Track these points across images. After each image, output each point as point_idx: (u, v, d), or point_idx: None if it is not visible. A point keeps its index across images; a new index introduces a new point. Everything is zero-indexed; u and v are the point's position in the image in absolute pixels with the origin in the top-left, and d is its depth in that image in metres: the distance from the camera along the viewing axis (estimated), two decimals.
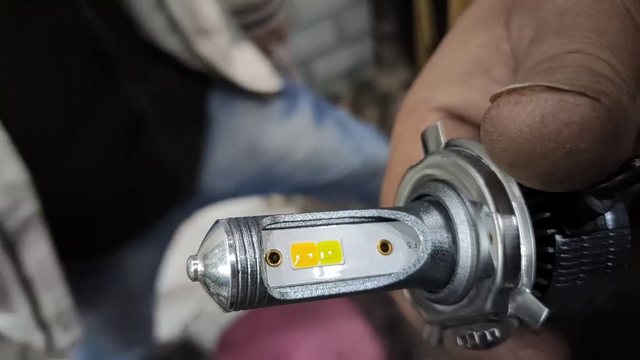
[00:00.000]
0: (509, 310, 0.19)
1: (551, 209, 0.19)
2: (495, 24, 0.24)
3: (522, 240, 0.18)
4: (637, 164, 0.17)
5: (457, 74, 0.25)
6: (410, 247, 0.21)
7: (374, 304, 1.38)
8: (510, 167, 0.17)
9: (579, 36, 0.17)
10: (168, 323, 1.35)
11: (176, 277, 1.47)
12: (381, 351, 1.18)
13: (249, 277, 0.18)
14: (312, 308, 1.24)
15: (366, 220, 0.21)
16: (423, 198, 0.22)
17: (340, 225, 0.20)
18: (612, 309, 0.24)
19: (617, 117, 0.16)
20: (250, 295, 0.18)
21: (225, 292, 0.18)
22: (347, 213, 0.20)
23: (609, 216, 0.20)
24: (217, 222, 0.19)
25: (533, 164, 0.16)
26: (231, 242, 0.18)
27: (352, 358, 1.18)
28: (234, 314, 1.28)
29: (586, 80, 0.16)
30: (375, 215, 0.21)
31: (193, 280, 0.18)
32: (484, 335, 0.20)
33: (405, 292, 0.24)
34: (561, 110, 0.15)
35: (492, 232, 0.19)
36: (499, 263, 0.18)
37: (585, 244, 0.20)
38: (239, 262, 0.18)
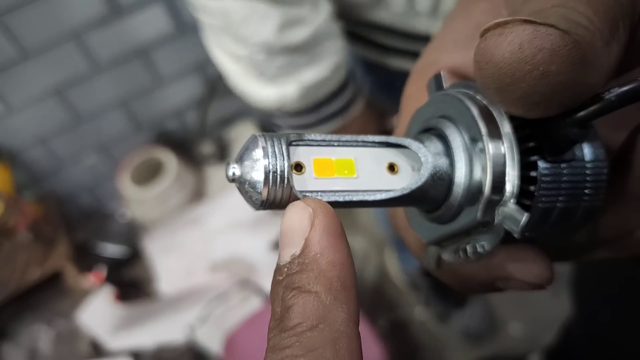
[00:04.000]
0: (496, 220, 0.22)
1: (536, 139, 0.22)
2: None
3: (507, 160, 0.22)
4: (607, 96, 0.20)
5: (460, 39, 0.29)
6: (414, 170, 0.24)
7: (377, 307, 1.40)
8: (496, 92, 0.21)
9: None
10: (174, 327, 1.37)
11: (183, 281, 1.50)
12: (385, 355, 1.19)
13: (279, 179, 0.21)
14: None
15: (377, 144, 0.24)
16: (429, 132, 0.26)
17: (355, 147, 0.24)
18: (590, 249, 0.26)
19: (584, 48, 0.19)
20: (278, 196, 0.21)
21: (258, 191, 0.21)
22: (361, 137, 0.24)
23: (586, 149, 0.23)
24: (253, 135, 0.22)
25: (514, 87, 0.20)
26: (265, 150, 0.21)
27: None
28: (239, 318, 1.30)
29: (562, 23, 0.19)
30: (385, 141, 0.24)
31: (230, 182, 0.22)
32: (475, 247, 0.23)
33: (406, 215, 0.28)
34: (535, 38, 0.19)
35: (483, 152, 0.22)
36: (487, 177, 0.22)
37: (564, 171, 0.23)
38: (270, 166, 0.21)
